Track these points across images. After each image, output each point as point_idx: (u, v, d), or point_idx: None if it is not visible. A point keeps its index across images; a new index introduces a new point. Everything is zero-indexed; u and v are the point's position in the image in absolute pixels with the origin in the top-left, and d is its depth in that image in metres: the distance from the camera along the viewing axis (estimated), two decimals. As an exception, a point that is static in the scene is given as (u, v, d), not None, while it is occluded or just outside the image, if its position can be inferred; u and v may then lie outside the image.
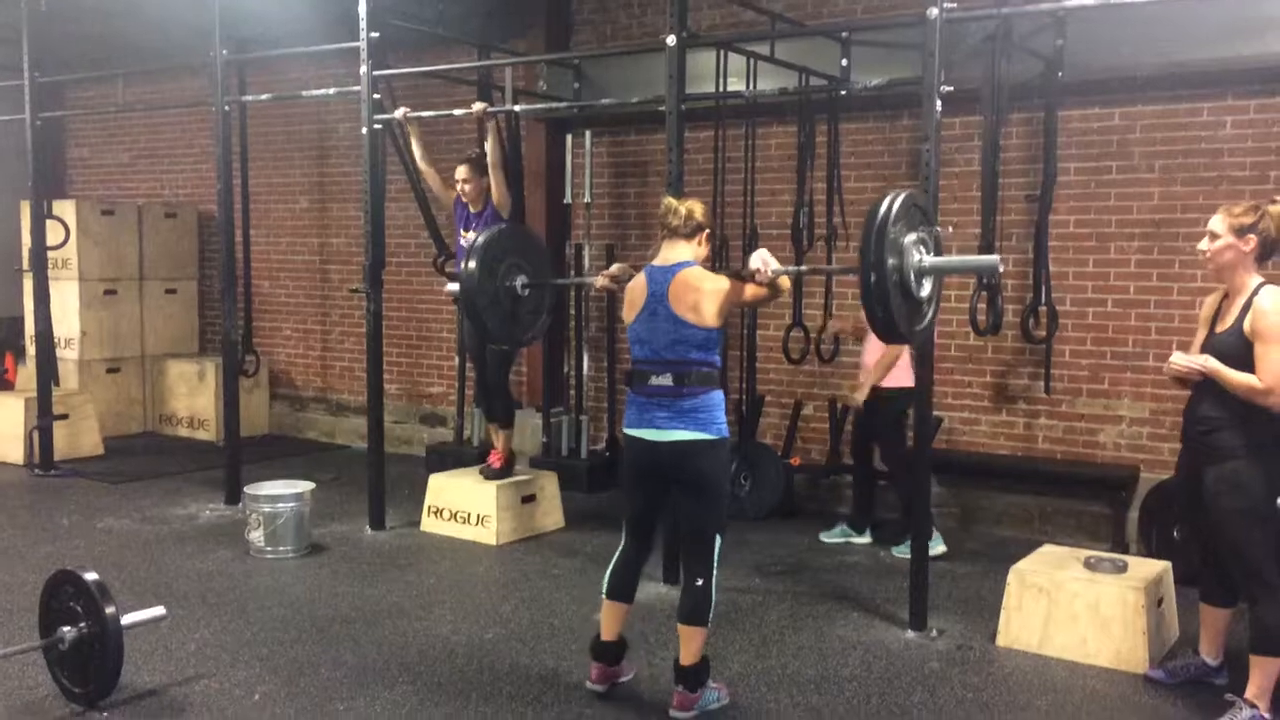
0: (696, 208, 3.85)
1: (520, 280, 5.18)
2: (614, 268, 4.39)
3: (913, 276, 3.64)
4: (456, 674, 4.22)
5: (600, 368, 7.76)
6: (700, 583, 3.77)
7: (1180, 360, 3.74)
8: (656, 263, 3.85)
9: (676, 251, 3.82)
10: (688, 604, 3.80)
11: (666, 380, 3.72)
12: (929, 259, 3.69)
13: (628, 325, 3.89)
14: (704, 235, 3.87)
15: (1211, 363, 3.69)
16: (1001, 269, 3.67)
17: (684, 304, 3.71)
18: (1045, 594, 4.47)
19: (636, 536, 3.99)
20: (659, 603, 4.96)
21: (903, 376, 5.79)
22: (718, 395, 3.78)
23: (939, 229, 3.81)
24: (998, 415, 6.47)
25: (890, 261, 3.52)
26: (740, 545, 6.01)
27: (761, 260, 3.72)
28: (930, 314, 3.87)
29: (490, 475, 6.22)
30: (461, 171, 5.98)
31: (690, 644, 3.80)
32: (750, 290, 3.77)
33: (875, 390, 5.89)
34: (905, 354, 5.74)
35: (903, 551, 5.67)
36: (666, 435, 3.73)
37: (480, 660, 4.37)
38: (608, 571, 4.00)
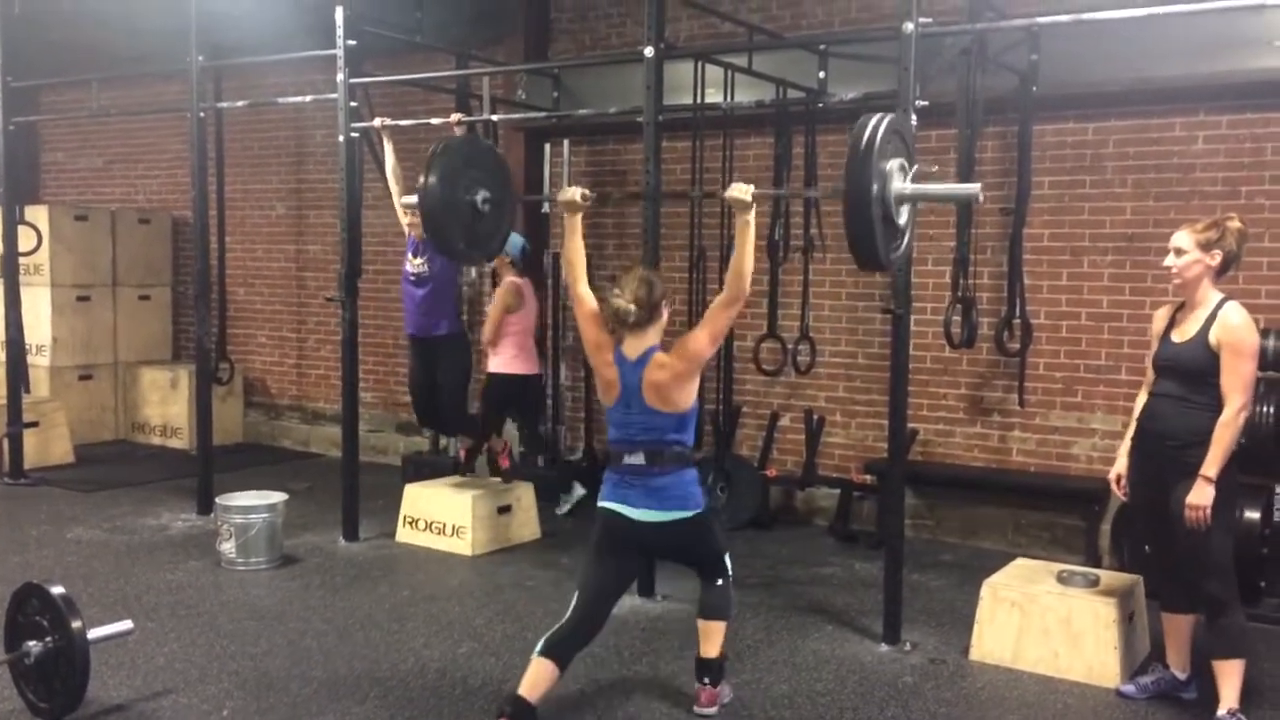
0: (648, 290, 3.73)
1: (481, 195, 4.88)
2: (571, 192, 4.22)
3: (893, 202, 3.64)
4: (428, 689, 4.19)
5: (577, 378, 7.74)
6: (721, 583, 3.92)
7: (1196, 516, 3.74)
8: (626, 351, 3.77)
9: (644, 339, 3.76)
10: (711, 601, 3.90)
11: (639, 459, 3.72)
12: (909, 186, 3.70)
13: (605, 407, 3.86)
14: (663, 306, 3.80)
15: (1203, 494, 3.72)
16: (981, 199, 3.73)
17: (658, 397, 3.70)
18: (1018, 608, 4.48)
19: (590, 612, 3.75)
20: (633, 616, 4.94)
21: (514, 363, 6.22)
22: (690, 473, 3.78)
23: (919, 166, 3.82)
24: (972, 428, 6.50)
25: (874, 187, 3.52)
26: (715, 557, 6.01)
27: (740, 189, 3.75)
28: (905, 241, 3.84)
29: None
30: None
31: (713, 638, 3.88)
32: (724, 313, 3.71)
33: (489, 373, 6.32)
34: (522, 339, 6.21)
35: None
36: (643, 515, 3.73)
37: (453, 674, 4.34)
38: (549, 634, 3.72)
